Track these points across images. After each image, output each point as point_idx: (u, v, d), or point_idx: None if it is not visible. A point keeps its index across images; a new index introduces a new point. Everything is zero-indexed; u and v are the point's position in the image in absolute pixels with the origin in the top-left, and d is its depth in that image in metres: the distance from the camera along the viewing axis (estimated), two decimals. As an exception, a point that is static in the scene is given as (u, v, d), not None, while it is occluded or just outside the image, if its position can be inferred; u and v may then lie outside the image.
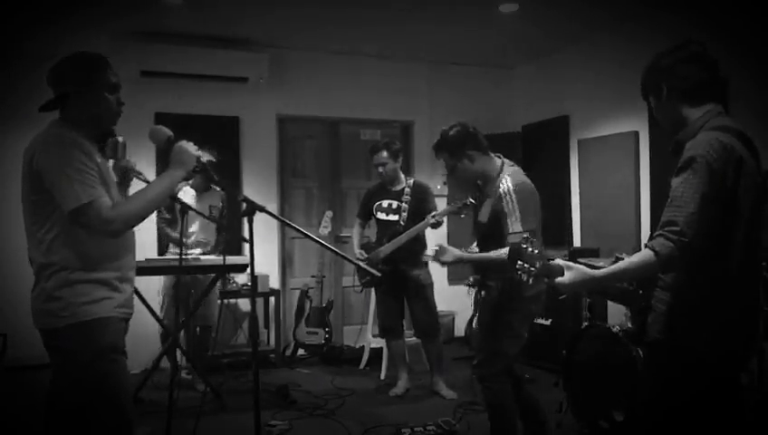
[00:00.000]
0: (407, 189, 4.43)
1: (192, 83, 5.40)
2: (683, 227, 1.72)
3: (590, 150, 5.54)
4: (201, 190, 4.64)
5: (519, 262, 1.95)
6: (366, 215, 4.66)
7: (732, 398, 1.92)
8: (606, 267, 1.91)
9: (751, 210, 1.83)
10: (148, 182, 2.28)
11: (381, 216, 4.50)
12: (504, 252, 1.86)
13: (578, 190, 5.69)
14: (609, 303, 4.71)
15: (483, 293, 3.14)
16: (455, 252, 3.05)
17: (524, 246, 1.93)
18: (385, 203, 4.49)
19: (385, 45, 5.83)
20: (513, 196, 2.79)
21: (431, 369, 4.61)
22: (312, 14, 4.90)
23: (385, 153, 4.40)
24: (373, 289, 4.76)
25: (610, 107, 5.30)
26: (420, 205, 4.38)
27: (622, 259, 2.59)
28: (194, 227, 4.62)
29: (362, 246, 4.56)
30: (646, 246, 1.78)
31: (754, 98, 4.08)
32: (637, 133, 5.04)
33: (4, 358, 4.52)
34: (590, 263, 2.25)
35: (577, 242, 5.68)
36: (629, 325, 3.31)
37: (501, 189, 2.83)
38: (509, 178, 2.87)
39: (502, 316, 2.96)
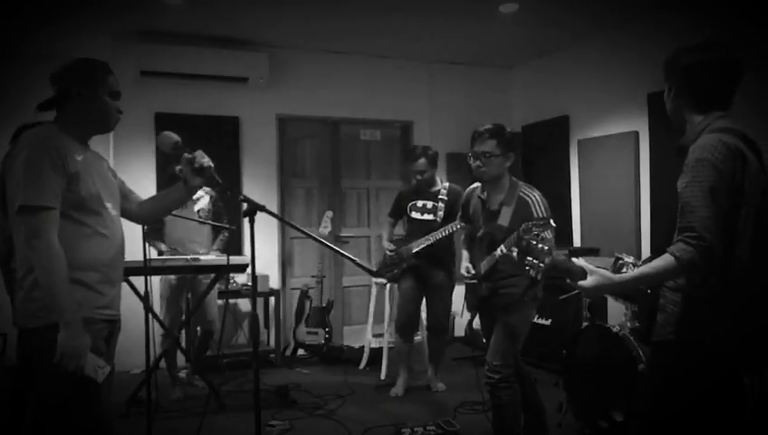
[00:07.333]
0: (443, 191, 4.50)
1: (192, 83, 5.39)
2: (700, 232, 1.73)
3: (590, 150, 5.54)
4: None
5: (528, 258, 1.96)
6: (398, 214, 4.72)
7: (736, 397, 1.92)
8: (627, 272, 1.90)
9: (757, 208, 1.83)
10: (219, 183, 2.24)
11: (416, 215, 4.55)
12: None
13: (578, 190, 5.69)
14: (610, 303, 4.72)
15: (494, 292, 3.10)
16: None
17: (534, 242, 1.95)
18: (420, 203, 4.55)
19: (385, 45, 5.83)
20: (543, 204, 3.02)
21: (430, 361, 4.77)
22: (311, 14, 4.90)
23: (423, 160, 4.46)
24: (396, 284, 4.77)
25: (610, 107, 5.30)
26: (454, 207, 4.44)
27: (622, 259, 2.59)
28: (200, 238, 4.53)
29: (392, 241, 4.65)
30: (666, 251, 1.79)
31: (758, 98, 4.07)
32: (637, 133, 5.04)
33: (4, 358, 4.51)
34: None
35: (577, 242, 5.68)
36: (637, 324, 3.30)
37: (530, 197, 3.02)
38: (532, 188, 3.09)
39: (525, 317, 3.08)
